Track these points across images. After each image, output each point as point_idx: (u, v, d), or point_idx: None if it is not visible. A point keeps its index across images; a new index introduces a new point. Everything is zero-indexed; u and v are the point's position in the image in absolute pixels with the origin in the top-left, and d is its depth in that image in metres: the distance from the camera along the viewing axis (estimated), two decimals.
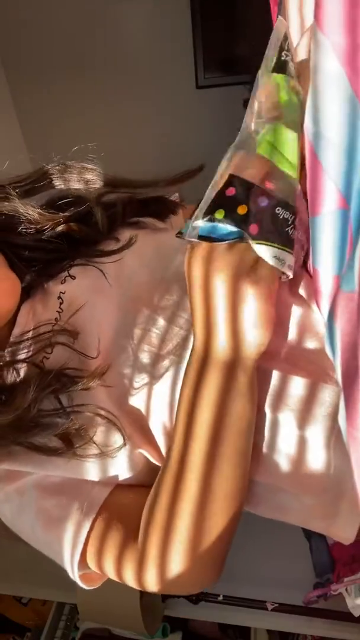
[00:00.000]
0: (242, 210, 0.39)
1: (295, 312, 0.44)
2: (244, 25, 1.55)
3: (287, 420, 0.42)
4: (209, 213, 0.40)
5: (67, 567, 0.46)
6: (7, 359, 0.47)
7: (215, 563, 0.43)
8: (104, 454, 0.45)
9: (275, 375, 0.43)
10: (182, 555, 0.41)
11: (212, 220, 0.40)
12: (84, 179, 0.54)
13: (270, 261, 0.39)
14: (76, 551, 0.44)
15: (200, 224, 0.40)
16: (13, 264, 0.51)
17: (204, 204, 0.40)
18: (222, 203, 0.40)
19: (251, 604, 1.30)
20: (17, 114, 1.93)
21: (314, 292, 0.42)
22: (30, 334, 0.48)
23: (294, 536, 1.41)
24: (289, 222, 0.40)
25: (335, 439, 0.41)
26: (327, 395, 0.42)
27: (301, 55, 0.44)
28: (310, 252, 0.41)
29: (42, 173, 0.53)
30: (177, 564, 0.41)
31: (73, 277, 0.52)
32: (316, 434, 0.42)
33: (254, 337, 0.40)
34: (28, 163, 0.57)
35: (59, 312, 0.50)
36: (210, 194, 0.40)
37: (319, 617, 1.30)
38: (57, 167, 0.53)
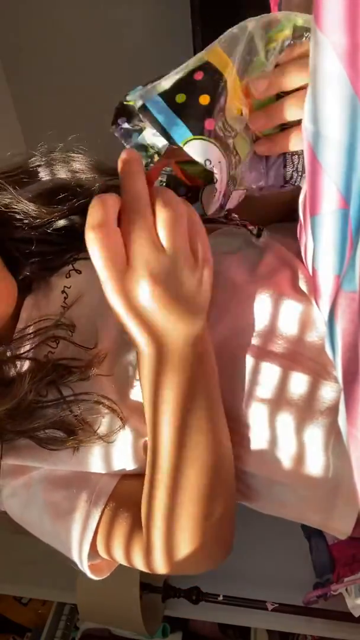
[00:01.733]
0: (204, 99, 0.36)
1: (297, 307, 0.44)
2: None
3: (286, 415, 0.42)
4: (169, 93, 0.36)
5: (75, 558, 0.46)
6: (9, 354, 0.47)
7: (221, 537, 0.43)
8: (102, 438, 0.45)
9: (275, 371, 0.43)
10: (186, 533, 0.41)
11: (169, 101, 0.36)
12: (74, 168, 0.51)
13: (207, 163, 0.36)
14: (85, 542, 0.45)
15: (154, 97, 0.36)
16: (12, 260, 0.50)
17: (166, 81, 0.36)
18: (186, 87, 0.36)
19: (251, 604, 1.29)
20: (19, 121, 1.92)
21: (313, 292, 0.42)
22: (31, 329, 0.48)
23: (294, 536, 1.40)
24: (231, 134, 0.37)
25: (335, 435, 0.42)
26: (327, 391, 0.42)
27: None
28: (306, 248, 0.41)
29: (33, 163, 0.51)
30: (181, 542, 0.41)
31: (78, 272, 0.51)
32: (315, 429, 0.42)
33: (189, 324, 0.37)
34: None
35: (63, 306, 0.49)
36: (175, 75, 0.37)
37: (319, 617, 1.30)
38: (55, 156, 0.51)
